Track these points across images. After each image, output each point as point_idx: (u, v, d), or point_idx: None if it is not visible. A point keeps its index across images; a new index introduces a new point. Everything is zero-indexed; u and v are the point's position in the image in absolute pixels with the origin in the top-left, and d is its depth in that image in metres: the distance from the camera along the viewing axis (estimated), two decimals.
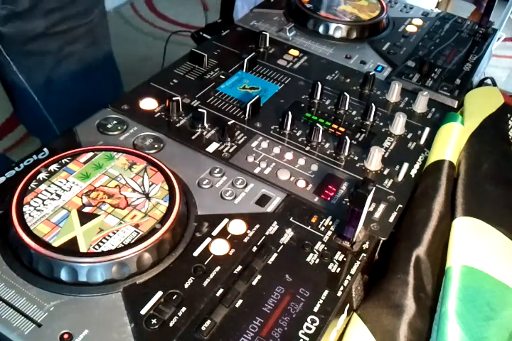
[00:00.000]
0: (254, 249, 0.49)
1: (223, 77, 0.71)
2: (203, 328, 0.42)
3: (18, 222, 0.45)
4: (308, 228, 0.52)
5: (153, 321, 0.42)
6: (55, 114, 1.00)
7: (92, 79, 0.99)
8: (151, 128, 0.61)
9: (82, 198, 0.49)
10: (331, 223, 0.53)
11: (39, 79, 0.93)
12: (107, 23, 1.01)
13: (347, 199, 0.56)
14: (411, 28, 0.87)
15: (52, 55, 0.91)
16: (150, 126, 0.61)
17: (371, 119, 0.66)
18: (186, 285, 0.45)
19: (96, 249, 0.44)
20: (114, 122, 0.61)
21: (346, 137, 0.60)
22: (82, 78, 0.97)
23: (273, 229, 0.52)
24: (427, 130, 0.65)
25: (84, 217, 0.47)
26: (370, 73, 0.71)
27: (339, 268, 0.49)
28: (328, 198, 0.56)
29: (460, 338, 0.45)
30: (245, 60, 0.72)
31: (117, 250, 0.44)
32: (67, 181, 0.50)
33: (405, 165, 0.60)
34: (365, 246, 0.51)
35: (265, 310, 0.44)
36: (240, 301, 0.45)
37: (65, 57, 0.93)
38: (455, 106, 0.72)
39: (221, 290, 0.45)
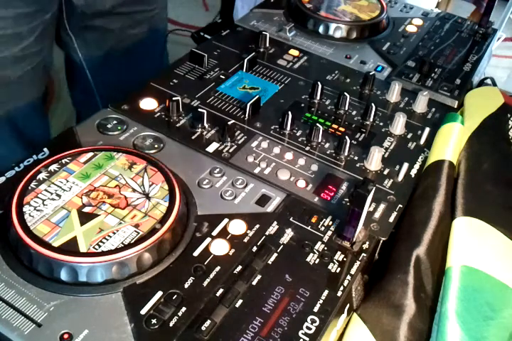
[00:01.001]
0: (254, 249, 0.49)
1: (223, 77, 0.71)
2: (203, 328, 0.42)
3: (18, 222, 0.45)
4: (308, 228, 0.52)
5: (153, 321, 0.42)
6: (103, 91, 1.03)
7: (142, 66, 1.02)
8: (151, 128, 0.61)
9: (82, 198, 0.49)
10: (331, 223, 0.53)
11: (96, 57, 0.96)
12: (167, 11, 1.05)
13: (347, 199, 0.56)
14: (411, 28, 0.87)
15: (113, 35, 0.94)
16: (150, 126, 0.61)
17: (371, 119, 0.66)
18: (186, 285, 0.45)
19: (96, 249, 0.44)
20: (114, 122, 0.61)
21: (346, 137, 0.60)
22: (135, 61, 1.00)
23: (273, 229, 0.52)
24: (427, 130, 0.65)
25: (84, 217, 0.47)
26: (370, 73, 0.71)
27: (339, 268, 0.49)
28: (328, 198, 0.56)
29: (460, 338, 0.45)
30: (245, 60, 0.72)
31: (117, 250, 0.44)
32: (67, 181, 0.50)
33: (405, 165, 0.60)
34: (365, 246, 0.51)
35: (265, 310, 0.44)
36: (240, 301, 0.45)
37: (123, 39, 0.96)
38: (455, 106, 0.72)
39: (221, 290, 0.45)
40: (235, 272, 0.47)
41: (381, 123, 0.67)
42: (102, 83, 1.02)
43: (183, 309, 0.44)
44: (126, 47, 0.97)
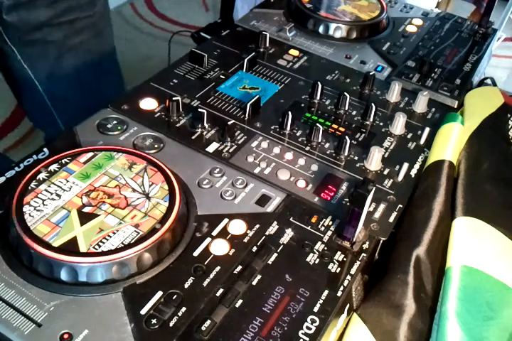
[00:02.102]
0: (254, 248, 0.49)
1: (223, 77, 0.71)
2: (203, 328, 0.42)
3: (18, 222, 0.45)
4: (308, 228, 0.52)
5: (153, 321, 0.42)
6: (59, 104, 1.01)
7: (95, 71, 1.00)
8: (151, 128, 0.61)
9: (82, 198, 0.49)
10: (331, 223, 0.53)
11: (43, 69, 0.94)
12: (110, 17, 1.02)
13: (347, 199, 0.56)
14: (411, 28, 0.87)
15: (56, 46, 0.92)
16: (150, 126, 0.61)
17: (371, 119, 0.66)
18: (186, 285, 0.45)
19: (96, 249, 0.44)
20: (114, 122, 0.61)
21: (346, 137, 0.60)
22: (86, 69, 0.98)
23: (273, 229, 0.52)
24: (427, 130, 0.65)
25: (84, 217, 0.47)
26: (370, 73, 0.71)
27: (339, 268, 0.49)
28: (328, 198, 0.56)
29: (460, 338, 0.45)
30: (245, 60, 0.72)
31: (117, 250, 0.44)
32: (67, 181, 0.50)
33: (405, 165, 0.60)
34: (365, 246, 0.51)
35: (265, 310, 0.44)
36: (240, 301, 0.45)
37: (68, 49, 0.94)
38: (455, 106, 0.72)
39: (221, 290, 0.45)
40: (235, 272, 0.47)
41: (381, 123, 0.67)
42: (55, 97, 0.99)
43: (183, 309, 0.44)
44: (73, 57, 0.95)
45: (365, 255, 0.51)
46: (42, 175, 0.50)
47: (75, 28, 0.92)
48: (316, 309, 0.45)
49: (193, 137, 0.61)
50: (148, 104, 0.64)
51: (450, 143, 0.61)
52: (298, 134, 0.64)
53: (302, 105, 0.68)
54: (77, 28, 0.92)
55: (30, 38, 0.89)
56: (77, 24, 0.92)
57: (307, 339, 0.43)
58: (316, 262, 0.49)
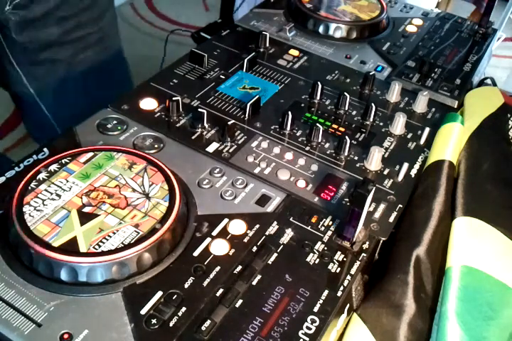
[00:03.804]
0: (254, 248, 0.49)
1: (223, 77, 0.71)
2: (203, 328, 0.42)
3: (18, 222, 0.45)
4: (308, 228, 0.52)
5: (153, 321, 0.42)
6: (65, 124, 0.98)
7: (104, 86, 0.98)
8: (151, 128, 0.61)
9: (82, 198, 0.49)
10: (331, 223, 0.53)
11: (49, 91, 0.92)
12: (118, 27, 1.00)
13: (347, 199, 0.56)
14: (411, 28, 0.87)
15: (64, 64, 0.90)
16: (150, 126, 0.61)
17: (371, 119, 0.66)
18: (186, 285, 0.45)
19: (96, 249, 0.44)
20: (114, 122, 0.61)
21: (346, 137, 0.60)
22: (94, 86, 0.96)
23: (273, 229, 0.52)
24: (427, 130, 0.65)
25: (84, 217, 0.47)
26: (370, 73, 0.71)
27: (339, 268, 0.49)
28: (328, 198, 0.56)
29: (460, 338, 0.45)
30: (245, 60, 0.72)
31: (117, 250, 0.44)
32: (67, 181, 0.50)
33: (405, 165, 0.60)
34: (365, 246, 0.51)
35: (265, 310, 0.44)
36: (240, 301, 0.45)
37: (76, 65, 0.92)
38: (455, 106, 0.72)
39: (221, 290, 0.45)
40: (235, 272, 0.47)
41: (381, 123, 0.67)
42: (61, 116, 0.97)
43: (183, 309, 0.44)
44: (80, 74, 0.93)
45: (365, 255, 0.51)
46: (42, 175, 0.50)
47: (84, 44, 0.90)
48: (316, 309, 0.45)
49: (193, 137, 0.61)
50: (148, 104, 0.64)
51: (450, 143, 0.61)
52: (298, 134, 0.64)
53: (302, 105, 0.68)
54: (86, 44, 0.91)
55: (39, 58, 0.87)
56: (86, 40, 0.90)
57: (307, 339, 0.43)
58: (316, 262, 0.49)
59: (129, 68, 1.07)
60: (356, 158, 0.61)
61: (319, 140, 0.62)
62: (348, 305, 0.49)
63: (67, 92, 0.94)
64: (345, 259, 0.50)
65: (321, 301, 0.46)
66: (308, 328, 0.44)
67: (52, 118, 0.96)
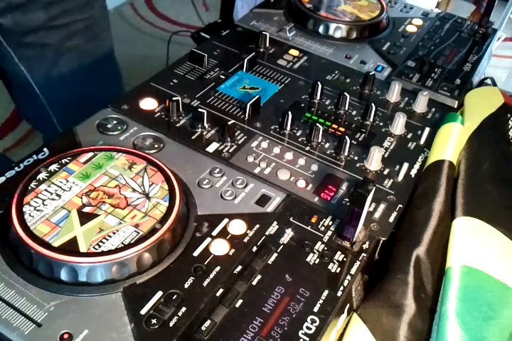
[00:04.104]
0: (254, 248, 0.49)
1: (223, 77, 0.71)
2: (203, 328, 0.42)
3: (18, 222, 0.45)
4: (308, 228, 0.52)
5: (153, 321, 0.42)
6: (56, 107, 1.00)
7: (93, 74, 0.99)
8: (151, 128, 0.61)
9: (82, 198, 0.49)
10: (331, 223, 0.53)
11: (40, 71, 0.94)
12: (108, 18, 1.01)
13: (347, 199, 0.56)
14: (411, 28, 0.87)
15: (53, 48, 0.92)
16: (150, 126, 0.61)
17: (371, 119, 0.66)
18: (186, 285, 0.45)
19: (96, 249, 0.44)
20: (114, 122, 0.61)
21: (346, 137, 0.60)
22: (83, 73, 0.97)
23: (273, 229, 0.52)
24: (427, 130, 0.65)
25: (84, 217, 0.47)
26: (370, 73, 0.71)
27: (339, 268, 0.49)
28: (328, 198, 0.56)
29: (460, 338, 0.45)
30: (245, 60, 0.72)
31: (117, 250, 0.44)
32: (67, 181, 0.50)
33: (405, 165, 0.60)
34: (365, 246, 0.51)
35: (265, 310, 0.44)
36: (240, 301, 0.45)
37: (65, 51, 0.93)
38: (455, 106, 0.72)
39: (221, 290, 0.45)
40: (235, 272, 0.47)
41: (381, 123, 0.67)
42: (53, 99, 0.98)
43: (183, 309, 0.44)
44: (70, 60, 0.94)
45: (365, 255, 0.51)
46: (42, 175, 0.50)
47: (71, 30, 0.91)
48: (316, 309, 0.45)
49: (193, 137, 0.61)
50: (148, 104, 0.64)
51: (450, 143, 0.61)
52: (298, 134, 0.64)
53: (302, 105, 0.68)
54: (73, 31, 0.92)
55: (26, 41, 0.88)
56: (73, 27, 0.91)
57: (307, 339, 0.43)
58: (316, 262, 0.49)
59: (116, 60, 1.08)
60: (356, 158, 0.61)
61: (319, 140, 0.62)
62: (348, 305, 0.49)
63: (56, 76, 0.95)
64: (345, 259, 0.50)
65: (321, 301, 0.46)
66: (308, 328, 0.44)
67: (43, 98, 0.98)
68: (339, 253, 0.50)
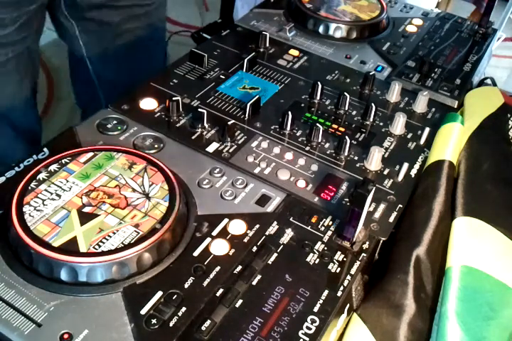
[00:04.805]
0: (254, 248, 0.49)
1: (223, 77, 0.71)
2: (203, 328, 0.42)
3: (18, 222, 0.45)
4: (308, 228, 0.52)
5: (153, 321, 0.42)
6: (105, 87, 1.04)
7: (143, 59, 1.02)
8: (151, 128, 0.61)
9: (82, 198, 0.49)
10: (331, 223, 0.53)
11: (95, 48, 0.97)
12: (166, 10, 1.05)
13: (347, 199, 0.56)
14: (411, 28, 0.87)
15: (111, 28, 0.95)
16: (150, 126, 0.61)
17: (371, 119, 0.66)
18: (186, 285, 0.45)
19: (96, 249, 0.44)
20: (114, 122, 0.61)
21: (346, 137, 0.60)
22: (135, 56, 1.01)
23: (273, 229, 0.52)
24: (427, 130, 0.65)
25: (84, 217, 0.47)
26: (370, 73, 0.71)
27: (339, 268, 0.49)
28: (328, 198, 0.56)
29: (460, 338, 0.45)
30: (245, 60, 0.72)
31: (117, 250, 0.44)
32: (67, 181, 0.50)
33: (405, 165, 0.60)
34: (365, 246, 0.51)
35: (265, 310, 0.44)
36: (240, 301, 0.45)
37: (122, 33, 0.96)
38: (455, 106, 0.72)
39: (221, 290, 0.45)
40: (235, 272, 0.47)
41: (381, 123, 0.67)
42: (103, 78, 1.02)
43: (183, 309, 0.44)
44: (125, 42, 0.98)
45: (365, 255, 0.51)
46: (42, 175, 0.50)
47: (132, 13, 0.95)
48: (316, 309, 0.45)
49: (193, 137, 0.61)
50: (148, 104, 0.64)
51: (450, 143, 0.61)
52: (298, 134, 0.64)
53: (302, 105, 0.68)
54: (133, 15, 0.95)
55: (88, 16, 0.92)
56: (134, 10, 0.95)
57: (307, 339, 0.43)
58: (316, 262, 0.49)
59: (167, 51, 1.13)
60: (356, 158, 0.61)
61: (319, 140, 0.62)
62: (348, 305, 0.49)
63: (110, 56, 0.99)
64: (345, 259, 0.50)
65: (321, 301, 0.46)
66: (308, 328, 0.44)
67: (94, 76, 1.02)
68: (339, 253, 0.50)
